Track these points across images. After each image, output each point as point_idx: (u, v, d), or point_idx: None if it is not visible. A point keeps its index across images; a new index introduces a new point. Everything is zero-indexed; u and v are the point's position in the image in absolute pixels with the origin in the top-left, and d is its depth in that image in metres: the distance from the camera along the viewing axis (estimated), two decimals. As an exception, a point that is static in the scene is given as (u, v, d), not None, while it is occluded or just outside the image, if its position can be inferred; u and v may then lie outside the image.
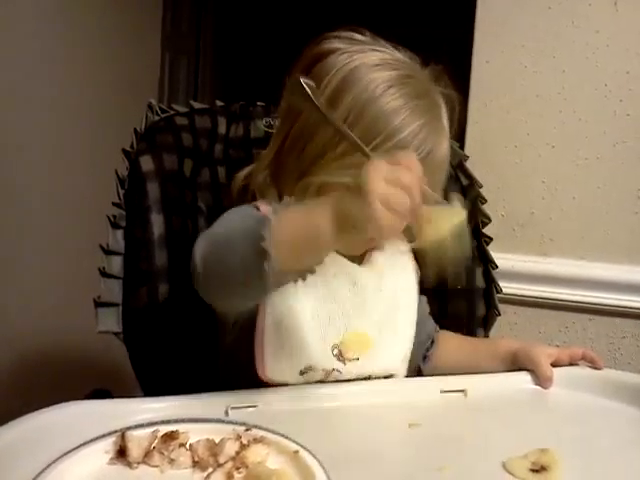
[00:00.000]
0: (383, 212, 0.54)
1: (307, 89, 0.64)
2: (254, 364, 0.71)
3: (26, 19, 1.46)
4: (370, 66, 0.73)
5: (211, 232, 0.66)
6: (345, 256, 0.79)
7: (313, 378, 0.73)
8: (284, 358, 0.72)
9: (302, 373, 0.70)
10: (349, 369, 0.74)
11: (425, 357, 0.87)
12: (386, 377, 0.79)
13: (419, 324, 0.84)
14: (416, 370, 0.85)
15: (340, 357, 0.74)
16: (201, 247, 0.65)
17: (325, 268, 0.76)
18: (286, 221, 0.60)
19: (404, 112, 0.71)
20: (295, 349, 0.72)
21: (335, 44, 0.75)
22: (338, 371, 0.74)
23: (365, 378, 0.77)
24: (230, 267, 0.62)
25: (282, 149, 0.77)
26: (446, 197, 0.89)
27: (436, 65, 0.78)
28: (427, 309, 0.90)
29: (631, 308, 1.25)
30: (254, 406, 0.67)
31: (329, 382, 0.74)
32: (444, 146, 0.74)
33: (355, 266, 0.78)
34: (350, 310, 0.76)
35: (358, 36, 0.76)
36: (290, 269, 0.61)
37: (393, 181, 0.55)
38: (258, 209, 0.73)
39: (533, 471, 0.57)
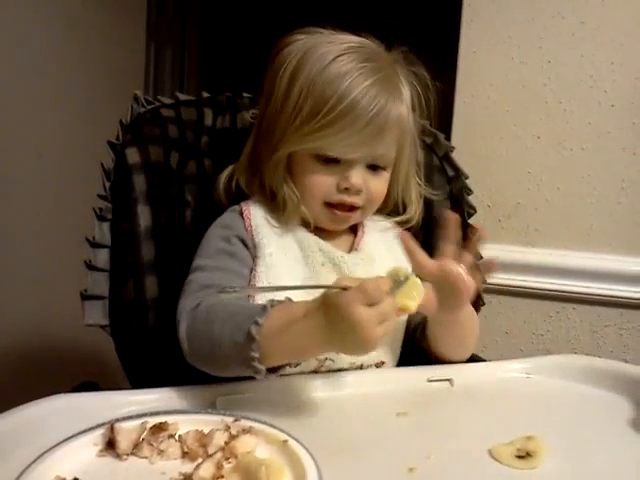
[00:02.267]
0: (373, 332, 0.57)
1: None
2: None
3: (7, 10, 1.44)
4: (323, 44, 0.76)
5: (195, 320, 0.68)
6: (333, 242, 0.81)
7: (307, 368, 0.74)
8: None
9: (295, 365, 0.70)
10: (342, 357, 0.75)
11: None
12: (377, 365, 0.80)
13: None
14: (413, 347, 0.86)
15: None
16: (184, 328, 0.69)
17: (312, 257, 0.78)
18: (270, 341, 0.62)
19: (351, 74, 0.73)
20: None
21: (295, 36, 0.79)
22: (331, 360, 0.75)
23: (358, 367, 0.78)
24: (218, 363, 0.67)
25: (257, 142, 0.81)
26: (429, 179, 0.92)
27: (403, 49, 0.81)
28: None
29: (614, 297, 1.26)
30: (242, 396, 0.68)
31: (321, 372, 0.75)
32: (399, 106, 0.77)
33: (344, 254, 0.80)
34: None
35: (319, 29, 0.80)
36: (279, 364, 0.64)
37: (370, 304, 0.58)
38: (242, 213, 0.79)
39: (518, 457, 0.58)
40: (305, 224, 0.81)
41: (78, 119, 1.65)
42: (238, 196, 0.83)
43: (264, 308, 0.63)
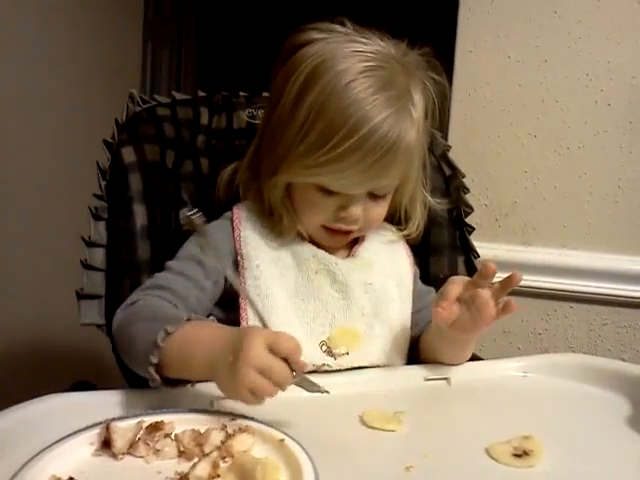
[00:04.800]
0: (251, 377, 0.55)
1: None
2: None
3: (5, 7, 1.44)
4: (339, 58, 0.72)
5: (126, 315, 0.70)
6: (329, 250, 0.80)
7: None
8: None
9: (292, 370, 0.70)
10: (340, 363, 0.75)
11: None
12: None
13: (423, 311, 0.84)
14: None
15: (329, 353, 0.75)
16: (117, 321, 0.70)
17: (306, 265, 0.77)
18: (173, 352, 0.61)
19: (365, 106, 0.69)
20: None
21: (311, 35, 0.75)
22: (328, 365, 0.75)
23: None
24: (131, 361, 0.67)
25: (260, 146, 0.79)
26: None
27: (424, 50, 0.78)
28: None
29: (611, 296, 1.26)
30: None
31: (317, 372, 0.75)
32: (410, 136, 0.73)
33: (339, 261, 0.79)
34: (335, 306, 0.77)
35: (338, 27, 0.76)
36: (174, 377, 0.63)
37: (272, 350, 0.56)
38: (232, 220, 0.78)
39: (515, 456, 0.58)
40: (300, 235, 0.80)
41: (74, 118, 1.65)
42: (237, 196, 0.82)
43: (179, 319, 0.63)
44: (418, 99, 0.75)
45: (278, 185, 0.76)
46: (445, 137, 1.09)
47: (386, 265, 0.83)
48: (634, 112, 1.23)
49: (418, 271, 0.89)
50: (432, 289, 0.89)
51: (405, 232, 0.86)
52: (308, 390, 0.64)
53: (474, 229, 0.96)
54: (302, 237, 0.80)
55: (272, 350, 0.56)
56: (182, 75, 2.59)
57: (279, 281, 0.76)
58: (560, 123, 1.26)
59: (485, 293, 0.69)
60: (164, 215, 0.86)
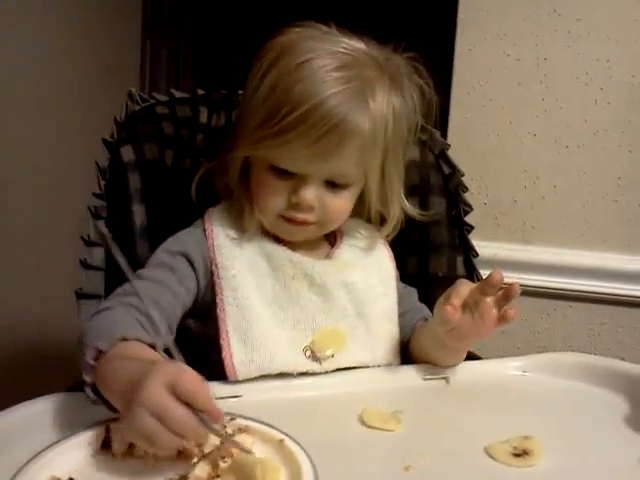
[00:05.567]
0: (144, 422, 0.48)
1: None
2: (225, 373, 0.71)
3: (2, 7, 1.43)
4: (305, 43, 0.72)
5: (89, 322, 0.65)
6: (303, 250, 0.79)
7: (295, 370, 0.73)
8: (255, 369, 0.72)
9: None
10: (325, 367, 0.74)
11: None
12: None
13: (408, 314, 0.84)
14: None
15: (314, 358, 0.74)
16: (80, 332, 0.64)
17: (283, 270, 0.76)
18: (101, 373, 0.56)
19: (314, 80, 0.69)
20: (265, 361, 0.72)
21: (289, 29, 0.75)
22: (313, 371, 0.74)
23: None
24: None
25: (228, 137, 0.80)
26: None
27: (410, 54, 0.77)
28: (417, 300, 0.89)
29: (611, 295, 1.26)
30: (238, 396, 0.68)
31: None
32: (362, 121, 0.71)
33: (315, 263, 0.78)
34: (314, 310, 0.76)
35: (320, 25, 0.76)
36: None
37: (174, 392, 0.49)
38: (204, 229, 0.77)
39: (515, 455, 0.58)
40: (269, 233, 0.78)
41: (73, 117, 1.64)
42: (210, 197, 0.81)
43: (115, 338, 0.58)
44: (383, 95, 0.73)
45: (234, 163, 0.76)
46: (444, 136, 1.09)
47: (367, 263, 0.82)
48: (634, 111, 1.23)
49: (398, 273, 0.88)
50: (414, 290, 0.89)
51: (383, 233, 0.84)
52: (216, 435, 0.53)
53: (473, 228, 0.96)
54: (268, 233, 0.78)
55: (173, 392, 0.49)
56: (181, 73, 2.59)
57: (257, 290, 0.75)
58: (559, 122, 1.26)
59: (489, 299, 0.69)
60: (163, 214, 0.86)
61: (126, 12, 2.00)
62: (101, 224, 0.62)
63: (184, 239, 0.77)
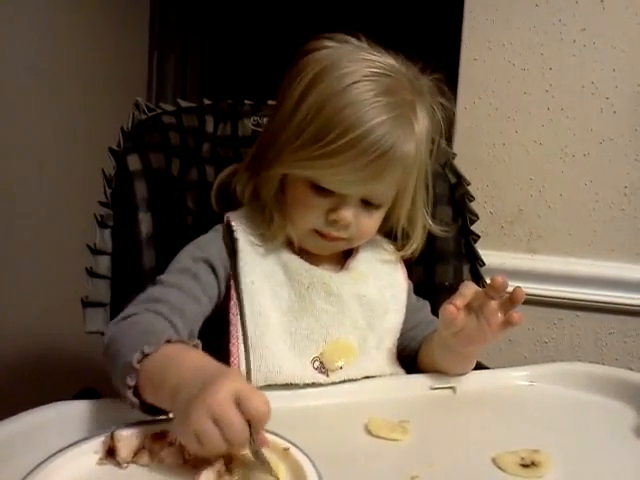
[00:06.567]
0: (203, 421, 0.49)
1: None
2: None
3: (15, 17, 1.45)
4: (344, 62, 0.72)
5: (116, 329, 0.66)
6: (321, 264, 0.79)
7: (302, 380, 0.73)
8: (262, 378, 0.71)
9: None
10: (332, 379, 0.74)
11: None
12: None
13: (418, 327, 0.84)
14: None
15: (322, 369, 0.74)
16: (106, 339, 0.66)
17: (298, 280, 0.76)
18: (149, 375, 0.57)
19: (364, 107, 0.69)
20: (272, 371, 0.72)
21: (323, 43, 0.75)
22: (319, 384, 0.73)
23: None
24: (113, 379, 0.61)
25: (260, 146, 0.79)
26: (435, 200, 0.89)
27: (436, 76, 0.77)
28: (429, 314, 0.88)
29: (618, 304, 1.26)
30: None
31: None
32: (407, 146, 0.72)
33: (332, 274, 0.78)
34: (328, 321, 0.76)
35: (352, 39, 0.76)
36: (153, 403, 0.58)
37: (240, 404, 0.50)
38: (230, 226, 0.77)
39: (523, 466, 0.58)
40: (290, 243, 0.79)
41: (80, 126, 1.66)
42: (231, 202, 0.81)
43: (158, 341, 0.58)
44: (422, 116, 0.75)
45: (272, 178, 0.76)
46: (450, 145, 1.09)
47: (381, 277, 0.83)
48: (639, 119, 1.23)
49: (412, 285, 0.88)
50: (427, 302, 0.88)
51: (401, 252, 0.85)
52: (258, 461, 0.53)
53: (479, 237, 0.96)
54: (291, 246, 0.79)
55: (239, 405, 0.50)
56: (188, 83, 2.61)
57: (272, 299, 0.75)
58: (565, 131, 1.26)
59: (494, 303, 0.69)
60: (169, 223, 0.86)
61: (133, 23, 2.02)
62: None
63: (206, 245, 0.77)
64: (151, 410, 0.58)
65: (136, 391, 0.57)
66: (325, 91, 0.71)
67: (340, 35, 0.76)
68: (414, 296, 0.88)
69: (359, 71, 0.71)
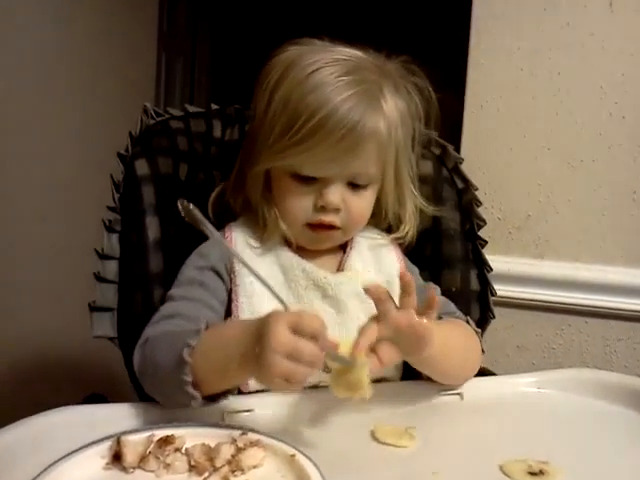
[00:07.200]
0: (281, 364, 0.54)
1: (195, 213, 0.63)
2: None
3: (22, 20, 1.46)
4: (308, 56, 0.74)
5: (144, 354, 0.69)
6: (317, 258, 0.79)
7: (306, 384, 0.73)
8: None
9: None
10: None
11: None
12: (378, 381, 0.78)
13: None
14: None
15: (326, 368, 0.74)
16: (136, 362, 0.69)
17: (295, 281, 0.77)
18: (203, 364, 0.60)
19: (326, 88, 0.71)
20: None
21: (287, 47, 0.78)
22: (325, 382, 0.73)
23: None
24: (163, 392, 0.66)
25: (242, 155, 0.81)
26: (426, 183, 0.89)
27: (403, 58, 0.79)
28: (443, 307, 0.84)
29: (627, 310, 1.25)
30: (250, 410, 0.67)
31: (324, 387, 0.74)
32: (377, 121, 0.73)
33: (327, 275, 0.78)
34: (328, 321, 0.75)
35: (317, 41, 0.78)
36: (213, 390, 0.62)
37: (297, 331, 0.55)
38: (225, 237, 0.78)
39: (531, 474, 0.57)
40: (288, 243, 0.79)
41: (88, 131, 1.66)
42: (227, 215, 0.83)
43: (198, 330, 0.62)
44: (390, 96, 0.76)
45: (256, 177, 0.77)
46: (457, 150, 1.08)
47: (377, 269, 0.82)
48: (648, 125, 1.22)
49: (417, 269, 0.87)
50: (431, 284, 0.86)
51: (398, 234, 0.84)
52: (342, 363, 0.60)
53: (487, 242, 0.95)
54: (289, 245, 0.79)
55: (297, 331, 0.55)
56: (196, 87, 2.62)
57: (271, 300, 0.75)
58: (574, 136, 1.25)
59: (402, 319, 0.64)
60: (177, 228, 0.86)
61: (142, 26, 2.03)
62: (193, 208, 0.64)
63: (207, 252, 0.78)
64: (211, 399, 0.62)
65: (193, 386, 0.60)
66: (290, 83, 0.73)
67: (304, 39, 0.78)
68: (420, 280, 0.87)
69: (322, 60, 0.74)
